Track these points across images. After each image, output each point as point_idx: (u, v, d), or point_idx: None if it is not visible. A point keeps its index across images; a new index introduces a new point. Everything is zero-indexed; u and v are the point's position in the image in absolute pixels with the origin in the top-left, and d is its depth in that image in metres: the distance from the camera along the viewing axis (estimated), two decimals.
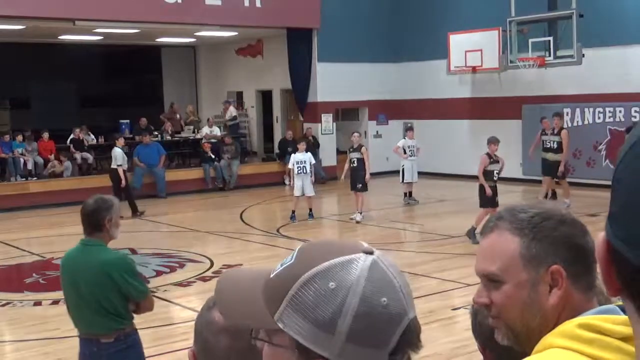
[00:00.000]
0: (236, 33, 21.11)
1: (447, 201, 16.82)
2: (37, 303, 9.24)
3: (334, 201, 18.44)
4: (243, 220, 15.30)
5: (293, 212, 14.59)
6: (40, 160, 18.50)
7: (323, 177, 19.87)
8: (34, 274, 10.77)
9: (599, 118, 17.75)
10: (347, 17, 20.78)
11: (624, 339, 1.13)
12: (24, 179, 17.94)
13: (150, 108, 24.28)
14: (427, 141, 19.02)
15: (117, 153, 15.88)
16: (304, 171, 14.27)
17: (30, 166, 18.20)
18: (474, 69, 19.05)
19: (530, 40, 17.44)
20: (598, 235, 0.83)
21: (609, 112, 17.53)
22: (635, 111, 16.98)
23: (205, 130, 21.66)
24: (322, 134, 21.17)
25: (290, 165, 14.58)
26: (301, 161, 14.29)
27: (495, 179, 11.91)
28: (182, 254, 11.87)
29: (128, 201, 15.48)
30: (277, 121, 23.49)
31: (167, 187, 18.59)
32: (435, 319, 7.85)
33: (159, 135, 20.76)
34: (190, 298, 9.35)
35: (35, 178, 18.10)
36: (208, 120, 22.25)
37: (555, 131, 14.82)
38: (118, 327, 4.36)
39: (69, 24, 17.54)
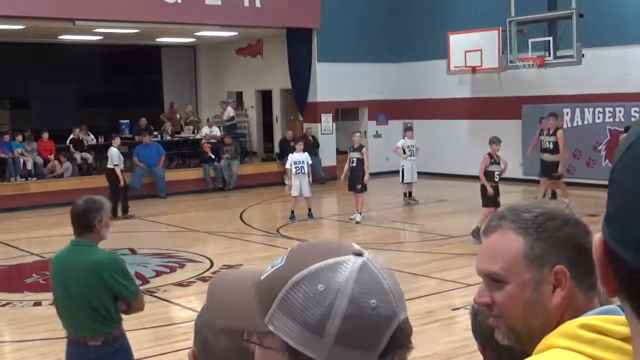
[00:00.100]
0: (236, 33, 21.11)
1: (447, 201, 16.80)
2: (37, 303, 9.24)
3: (334, 201, 18.43)
4: (243, 221, 15.30)
5: (292, 212, 14.58)
6: (40, 160, 18.49)
7: (323, 177, 19.87)
8: (34, 274, 10.77)
9: (598, 118, 17.75)
10: (347, 17, 20.76)
11: (625, 339, 1.13)
12: (24, 179, 17.94)
13: (150, 108, 24.26)
14: (427, 141, 19.00)
15: (113, 153, 15.86)
16: (302, 171, 14.26)
17: (30, 166, 18.19)
18: (473, 69, 19.04)
19: (530, 40, 17.43)
20: (595, 236, 0.84)
21: (609, 112, 17.52)
22: (635, 111, 16.96)
23: (205, 130, 21.66)
24: (322, 134, 21.16)
25: (287, 166, 14.58)
26: (299, 161, 14.27)
27: (496, 179, 11.91)
28: (182, 254, 11.86)
29: (121, 201, 15.54)
30: (277, 121, 23.48)
31: (167, 187, 18.58)
32: (435, 319, 7.86)
33: (159, 135, 20.76)
34: (190, 298, 9.34)
35: (35, 178, 18.10)
36: (208, 120, 22.23)
37: (551, 131, 14.74)
38: (106, 330, 4.34)
39: (69, 24, 17.54)
